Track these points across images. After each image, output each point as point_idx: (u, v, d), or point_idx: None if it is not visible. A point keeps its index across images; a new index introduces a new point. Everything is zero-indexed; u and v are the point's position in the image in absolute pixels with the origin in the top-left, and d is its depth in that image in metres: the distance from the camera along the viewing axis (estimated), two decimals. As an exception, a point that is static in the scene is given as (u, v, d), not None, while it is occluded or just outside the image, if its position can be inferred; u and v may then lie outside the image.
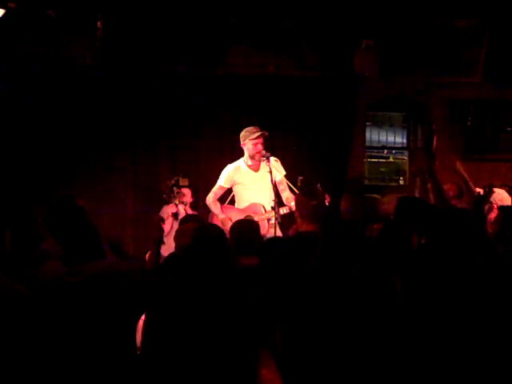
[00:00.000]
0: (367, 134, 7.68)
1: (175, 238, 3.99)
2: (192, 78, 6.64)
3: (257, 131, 5.54)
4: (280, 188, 5.63)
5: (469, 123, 7.49)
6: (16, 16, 5.88)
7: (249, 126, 5.62)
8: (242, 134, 5.61)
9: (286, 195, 5.62)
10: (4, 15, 5.73)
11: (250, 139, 5.54)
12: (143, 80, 6.55)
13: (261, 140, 5.52)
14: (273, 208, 5.28)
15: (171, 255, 3.22)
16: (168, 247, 5.79)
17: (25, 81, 6.25)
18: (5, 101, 6.21)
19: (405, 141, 7.98)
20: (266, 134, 5.56)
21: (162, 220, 5.90)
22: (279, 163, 5.73)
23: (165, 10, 6.16)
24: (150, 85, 6.59)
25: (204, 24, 6.34)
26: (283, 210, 5.35)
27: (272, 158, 5.60)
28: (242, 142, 5.62)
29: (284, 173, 5.72)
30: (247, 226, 4.03)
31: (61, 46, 6.24)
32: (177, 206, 5.88)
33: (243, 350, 2.14)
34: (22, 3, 5.81)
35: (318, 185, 4.95)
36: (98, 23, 6.12)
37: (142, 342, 2.34)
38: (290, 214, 5.27)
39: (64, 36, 6.20)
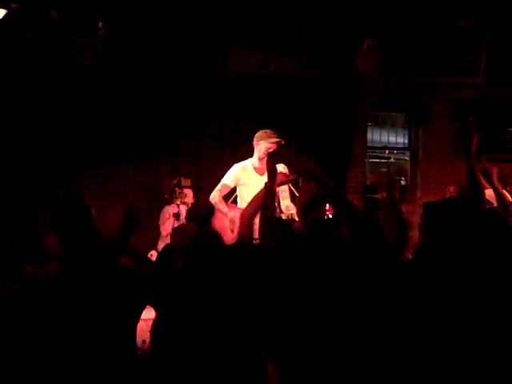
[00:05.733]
0: (369, 135, 7.68)
1: (172, 236, 3.96)
2: (193, 78, 6.64)
3: (275, 137, 5.45)
4: (282, 195, 5.57)
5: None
6: (17, 16, 5.89)
7: (263, 129, 5.51)
8: (259, 134, 5.47)
9: (286, 203, 5.57)
10: (6, 15, 5.74)
11: (266, 141, 5.47)
12: (144, 80, 6.55)
13: (275, 146, 5.46)
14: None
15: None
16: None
17: (25, 81, 6.25)
18: (5, 101, 6.22)
19: (406, 141, 7.97)
20: (283, 142, 5.51)
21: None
22: (287, 171, 5.70)
23: (166, 10, 6.17)
24: (151, 85, 6.59)
25: (205, 24, 6.34)
26: (283, 217, 5.31)
27: (281, 165, 5.59)
28: (255, 142, 5.55)
29: None
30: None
31: (62, 46, 6.24)
32: (178, 206, 5.86)
33: (254, 347, 2.17)
34: (24, 3, 5.81)
35: (300, 179, 4.93)
36: (100, 23, 6.13)
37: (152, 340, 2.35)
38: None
39: (65, 36, 6.20)
